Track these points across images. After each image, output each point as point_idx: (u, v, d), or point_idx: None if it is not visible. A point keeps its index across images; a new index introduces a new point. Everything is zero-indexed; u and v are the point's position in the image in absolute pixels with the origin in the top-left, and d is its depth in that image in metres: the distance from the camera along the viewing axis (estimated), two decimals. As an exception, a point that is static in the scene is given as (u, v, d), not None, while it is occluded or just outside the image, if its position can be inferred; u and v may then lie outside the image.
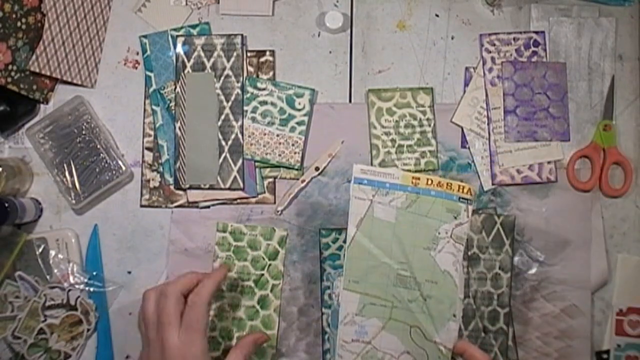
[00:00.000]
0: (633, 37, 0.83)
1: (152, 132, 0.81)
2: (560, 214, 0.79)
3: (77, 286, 0.77)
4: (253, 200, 0.80)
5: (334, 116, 0.81)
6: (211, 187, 0.79)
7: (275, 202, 0.80)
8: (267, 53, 0.82)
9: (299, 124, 0.79)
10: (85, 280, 0.78)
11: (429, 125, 0.80)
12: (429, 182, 0.65)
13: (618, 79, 0.82)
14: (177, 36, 0.81)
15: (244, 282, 0.78)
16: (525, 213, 0.79)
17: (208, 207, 0.80)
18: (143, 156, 0.81)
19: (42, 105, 0.81)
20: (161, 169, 0.80)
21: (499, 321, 0.77)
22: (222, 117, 0.80)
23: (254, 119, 0.80)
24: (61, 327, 0.76)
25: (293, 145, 0.79)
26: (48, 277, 0.77)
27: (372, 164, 0.79)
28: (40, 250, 0.78)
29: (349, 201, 0.65)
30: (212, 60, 0.80)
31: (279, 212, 0.79)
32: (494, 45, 0.82)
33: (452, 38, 0.83)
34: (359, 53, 0.83)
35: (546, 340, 0.78)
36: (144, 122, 0.81)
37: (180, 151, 0.79)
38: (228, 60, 0.80)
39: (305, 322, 0.78)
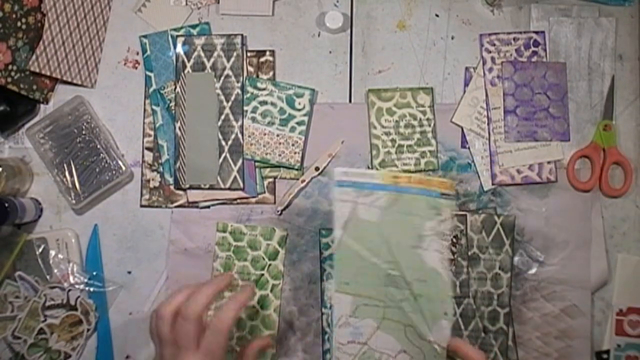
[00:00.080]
0: (633, 37, 0.83)
1: (152, 132, 0.81)
2: (560, 214, 0.79)
3: (77, 286, 0.77)
4: (253, 200, 0.80)
5: (334, 116, 0.81)
6: (211, 187, 0.79)
7: (275, 202, 0.80)
8: (267, 53, 0.82)
9: (299, 124, 0.79)
10: (85, 280, 0.78)
11: (429, 125, 0.80)
12: (410, 179, 0.64)
13: (618, 79, 0.82)
14: (177, 36, 0.81)
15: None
16: (525, 213, 0.79)
17: (208, 207, 0.80)
18: (143, 156, 0.81)
19: (42, 105, 0.81)
20: (161, 169, 0.80)
21: (499, 321, 0.77)
22: (222, 117, 0.80)
23: (254, 119, 0.80)
24: (61, 327, 0.76)
25: (293, 145, 0.79)
26: (48, 277, 0.77)
27: (372, 164, 0.79)
28: (40, 250, 0.78)
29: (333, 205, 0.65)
30: (212, 60, 0.80)
31: (279, 212, 0.79)
32: (494, 45, 0.82)
33: (452, 38, 0.83)
34: (359, 53, 0.83)
35: (546, 340, 0.78)
36: (144, 122, 0.81)
37: (180, 151, 0.79)
38: (228, 60, 0.80)
39: (305, 322, 0.78)
